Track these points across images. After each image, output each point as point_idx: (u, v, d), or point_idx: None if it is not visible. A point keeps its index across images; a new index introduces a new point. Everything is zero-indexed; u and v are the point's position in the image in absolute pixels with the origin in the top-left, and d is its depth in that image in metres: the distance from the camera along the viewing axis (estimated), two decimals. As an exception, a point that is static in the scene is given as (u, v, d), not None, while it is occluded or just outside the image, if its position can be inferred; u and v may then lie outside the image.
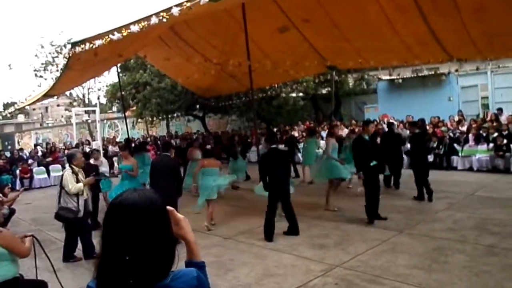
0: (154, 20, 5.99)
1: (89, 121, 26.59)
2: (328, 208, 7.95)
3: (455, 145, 12.39)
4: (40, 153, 17.46)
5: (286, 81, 18.58)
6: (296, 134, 16.63)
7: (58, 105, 40.45)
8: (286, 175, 6.67)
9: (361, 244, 5.76)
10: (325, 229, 6.69)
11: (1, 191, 7.61)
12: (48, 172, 15.41)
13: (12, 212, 7.74)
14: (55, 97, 19.10)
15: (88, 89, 28.91)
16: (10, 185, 10.68)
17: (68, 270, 5.58)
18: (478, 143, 12.03)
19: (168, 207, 1.28)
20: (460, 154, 12.18)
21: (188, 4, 5.60)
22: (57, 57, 23.74)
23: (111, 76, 50.10)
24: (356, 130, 13.05)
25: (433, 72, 18.13)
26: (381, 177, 7.75)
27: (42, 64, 25.29)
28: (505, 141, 11.27)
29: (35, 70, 25.60)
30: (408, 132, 11.23)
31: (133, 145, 13.91)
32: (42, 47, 25.21)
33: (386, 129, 11.01)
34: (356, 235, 6.24)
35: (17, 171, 14.71)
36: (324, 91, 21.59)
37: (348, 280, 4.57)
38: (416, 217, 7.05)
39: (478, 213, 7.03)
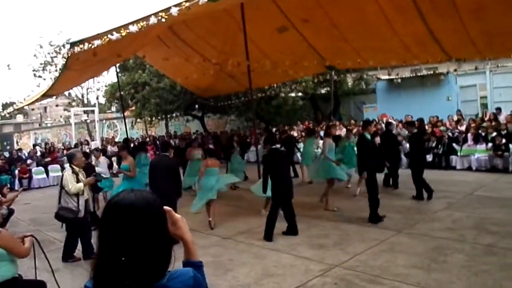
0: (153, 20, 5.99)
1: (88, 121, 26.58)
2: (327, 208, 7.96)
3: (454, 144, 12.41)
4: (39, 153, 17.44)
5: (285, 81, 18.59)
6: (295, 134, 16.64)
7: (57, 105, 40.34)
8: (289, 175, 6.73)
9: (360, 244, 5.76)
10: (324, 229, 6.69)
11: (0, 192, 7.62)
12: (47, 172, 15.39)
13: (11, 212, 7.74)
14: (54, 97, 19.11)
15: (87, 89, 28.95)
16: (9, 185, 10.69)
17: (67, 270, 5.57)
18: (477, 142, 12.04)
19: (166, 207, 1.28)
20: (459, 153, 12.19)
21: (187, 4, 5.60)
22: (56, 57, 23.75)
23: (110, 76, 49.86)
24: (355, 130, 13.09)
25: (432, 72, 18.15)
26: (380, 176, 7.77)
27: (41, 64, 25.32)
28: (503, 140, 11.29)
29: (34, 70, 25.64)
30: (407, 132, 11.24)
31: (132, 145, 13.92)
32: (41, 47, 25.25)
33: (385, 129, 11.02)
34: (355, 235, 6.24)
35: (16, 171, 14.69)
36: (323, 91, 21.62)
37: (347, 280, 4.57)
38: (415, 216, 7.06)
39: (477, 213, 7.04)
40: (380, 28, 9.11)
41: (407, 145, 10.78)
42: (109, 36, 6.38)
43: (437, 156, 12.33)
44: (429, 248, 5.41)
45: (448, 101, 17.30)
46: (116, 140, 21.34)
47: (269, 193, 6.69)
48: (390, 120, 14.05)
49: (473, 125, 12.94)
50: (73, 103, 29.77)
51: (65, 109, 34.56)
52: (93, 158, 9.33)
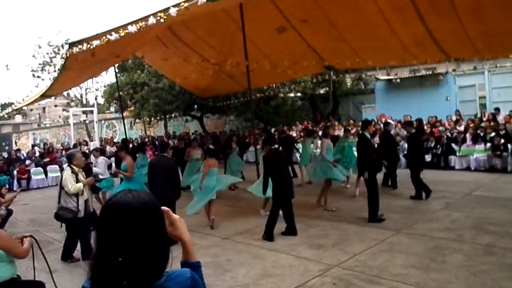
0: (151, 20, 5.99)
1: (87, 121, 26.53)
2: (326, 208, 7.96)
3: (453, 144, 12.42)
4: (37, 154, 17.44)
5: (284, 81, 18.61)
6: (294, 134, 16.64)
7: (55, 106, 40.33)
8: (289, 175, 6.75)
9: (359, 244, 5.76)
10: (324, 229, 6.69)
11: (-2, 192, 7.60)
12: (45, 172, 15.37)
13: (9, 213, 7.73)
14: (53, 97, 19.12)
15: (86, 89, 28.90)
16: (7, 186, 10.70)
17: (66, 271, 5.57)
18: (475, 142, 12.07)
19: (164, 208, 1.28)
20: (457, 153, 12.21)
21: (186, 4, 5.60)
22: (54, 57, 23.71)
23: (108, 76, 50.01)
24: (354, 130, 13.09)
25: (430, 72, 18.18)
26: (379, 176, 7.77)
27: (40, 64, 25.29)
28: (502, 140, 11.31)
29: (32, 71, 25.60)
30: (405, 132, 11.26)
31: (131, 145, 13.91)
32: (40, 47, 25.23)
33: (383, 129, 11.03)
34: (354, 235, 6.24)
35: (15, 172, 14.67)
36: (322, 91, 21.64)
37: (346, 280, 4.57)
38: (414, 216, 7.06)
39: (476, 213, 7.05)
40: (379, 28, 9.12)
41: (406, 145, 10.80)
42: (108, 36, 6.38)
43: (436, 156, 12.35)
44: (427, 248, 5.42)
45: (447, 101, 17.33)
46: (115, 140, 21.33)
47: (268, 193, 6.69)
48: (388, 120, 14.08)
49: (471, 125, 12.96)
50: (72, 104, 29.73)
51: (63, 110, 34.50)
52: (93, 158, 9.34)
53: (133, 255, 1.15)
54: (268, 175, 6.46)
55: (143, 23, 6.09)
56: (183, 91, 18.23)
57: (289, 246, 5.90)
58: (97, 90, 27.03)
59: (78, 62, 7.86)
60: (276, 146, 7.37)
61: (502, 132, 11.76)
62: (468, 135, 12.44)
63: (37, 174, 15.16)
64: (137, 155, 10.07)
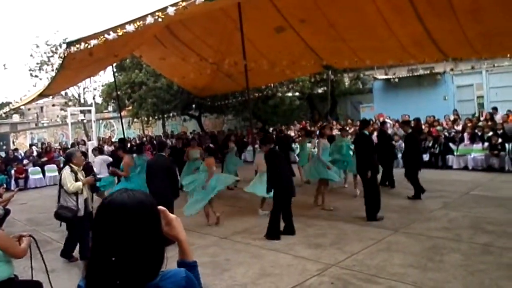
0: (149, 19, 5.98)
1: (85, 121, 26.45)
2: (324, 207, 7.97)
3: (451, 144, 12.45)
4: (35, 153, 17.39)
5: (282, 81, 18.59)
6: (292, 133, 16.64)
7: (53, 105, 40.20)
8: (289, 174, 6.75)
9: (357, 244, 5.77)
10: (321, 228, 6.70)
11: (-4, 192, 7.57)
12: (43, 172, 15.35)
13: (7, 212, 7.68)
14: (51, 97, 19.01)
15: (84, 88, 28.74)
16: (5, 185, 10.65)
17: (64, 271, 5.56)
18: (473, 142, 12.10)
19: (160, 207, 1.27)
20: (455, 153, 12.24)
21: (184, 3, 5.59)
22: (52, 56, 23.62)
23: (106, 75, 50.05)
24: (352, 129, 13.10)
25: (428, 72, 18.21)
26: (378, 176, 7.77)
27: (37, 63, 25.13)
28: (500, 140, 11.34)
29: (30, 70, 25.44)
30: (403, 131, 11.28)
31: (128, 145, 13.88)
32: (37, 46, 25.08)
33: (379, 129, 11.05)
34: (352, 234, 6.25)
35: (12, 171, 14.64)
36: (320, 91, 21.65)
37: (344, 279, 4.57)
38: (411, 216, 7.07)
39: (473, 212, 7.07)
40: (377, 28, 9.13)
41: (403, 144, 10.82)
42: (106, 35, 6.36)
43: (434, 156, 12.38)
44: (425, 248, 5.43)
45: (445, 101, 17.35)
46: (113, 140, 21.28)
47: (268, 192, 6.69)
48: (385, 120, 14.09)
49: (469, 124, 12.99)
50: (70, 103, 29.60)
51: (61, 109, 34.38)
52: (91, 157, 9.31)
53: (127, 255, 1.15)
54: (272, 173, 6.45)
55: (141, 22, 6.07)
56: (181, 91, 18.20)
57: (287, 246, 5.91)
58: (95, 89, 26.94)
59: (76, 61, 7.84)
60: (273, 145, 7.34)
61: (499, 132, 11.80)
62: (466, 134, 12.47)
63: (35, 174, 15.13)
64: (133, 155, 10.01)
